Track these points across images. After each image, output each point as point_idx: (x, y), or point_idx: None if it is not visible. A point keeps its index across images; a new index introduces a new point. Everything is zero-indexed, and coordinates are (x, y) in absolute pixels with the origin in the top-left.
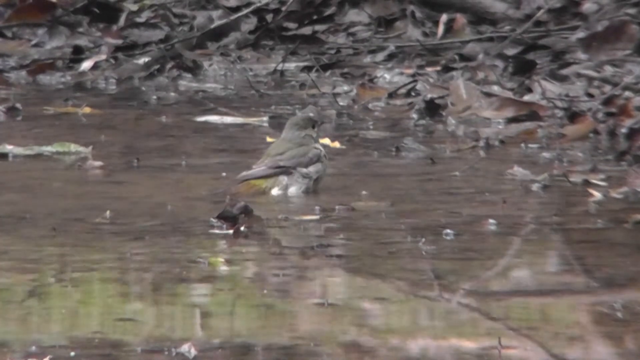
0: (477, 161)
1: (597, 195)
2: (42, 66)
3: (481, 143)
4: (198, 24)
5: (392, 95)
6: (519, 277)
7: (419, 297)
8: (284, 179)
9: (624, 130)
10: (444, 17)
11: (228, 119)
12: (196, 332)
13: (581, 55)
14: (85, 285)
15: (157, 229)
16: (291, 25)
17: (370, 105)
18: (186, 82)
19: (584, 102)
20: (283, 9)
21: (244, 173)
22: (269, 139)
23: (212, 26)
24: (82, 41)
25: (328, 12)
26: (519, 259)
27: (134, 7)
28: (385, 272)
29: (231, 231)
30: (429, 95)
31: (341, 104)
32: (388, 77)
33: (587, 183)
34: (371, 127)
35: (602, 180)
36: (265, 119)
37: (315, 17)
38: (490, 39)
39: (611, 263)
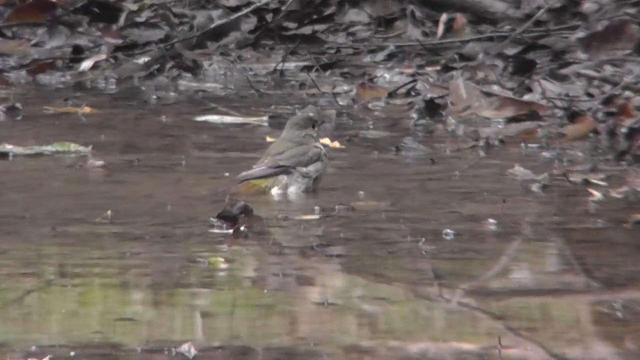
0: (477, 161)
1: (597, 194)
2: (42, 66)
3: (481, 143)
4: (198, 23)
5: (392, 94)
6: (518, 276)
7: (418, 297)
8: (283, 178)
9: (623, 130)
10: (443, 17)
11: (228, 119)
12: (196, 332)
13: (581, 55)
14: (85, 285)
15: (157, 229)
16: (291, 24)
17: (370, 105)
18: (186, 82)
19: (583, 101)
20: (283, 8)
21: (244, 173)
22: (268, 139)
23: (212, 26)
24: (82, 41)
25: (328, 11)
26: (518, 259)
27: (134, 7)
28: (385, 272)
29: (231, 231)
30: (429, 95)
31: (341, 103)
32: (388, 76)
33: (587, 183)
34: (371, 126)
35: (602, 179)
36: (265, 118)
37: (315, 16)
38: (490, 39)
39: (611, 263)
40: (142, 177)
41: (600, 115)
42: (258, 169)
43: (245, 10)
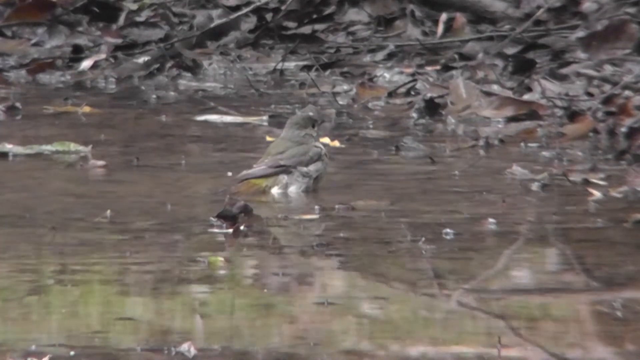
0: (477, 160)
1: (596, 194)
2: (42, 65)
3: (481, 142)
4: (198, 23)
5: (391, 94)
6: (518, 276)
7: (418, 296)
8: (284, 177)
9: (623, 130)
10: (443, 16)
11: (228, 118)
12: (196, 331)
13: (581, 55)
14: (85, 284)
15: (157, 228)
16: (291, 24)
17: (369, 105)
18: (186, 81)
19: (583, 101)
20: (283, 8)
21: (245, 172)
22: (268, 138)
23: (212, 25)
24: (82, 40)
25: (328, 11)
26: (518, 259)
27: (134, 6)
28: (385, 272)
29: (231, 230)
30: (429, 95)
31: (341, 103)
32: (388, 76)
33: (586, 182)
34: (371, 126)
35: (601, 179)
36: (264, 118)
37: (314, 16)
38: (490, 38)
39: (611, 262)
40: (142, 177)
41: (600, 114)
42: (258, 168)
43: (245, 10)
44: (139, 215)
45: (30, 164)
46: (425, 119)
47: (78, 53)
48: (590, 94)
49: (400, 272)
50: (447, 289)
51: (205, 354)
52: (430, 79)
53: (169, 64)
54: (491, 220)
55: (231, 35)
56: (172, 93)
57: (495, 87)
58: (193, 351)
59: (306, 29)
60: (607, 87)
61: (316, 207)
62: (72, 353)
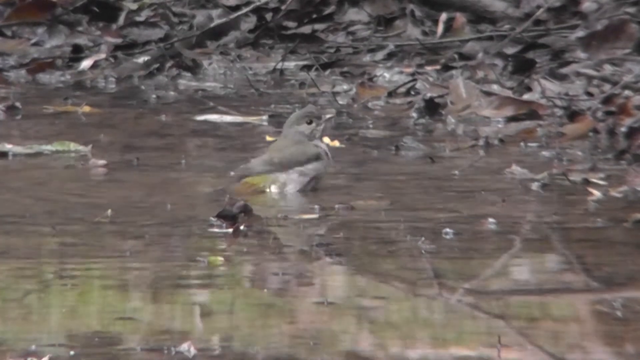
0: (477, 160)
1: (596, 194)
2: (42, 65)
3: (481, 142)
4: (198, 22)
5: (391, 94)
6: (518, 276)
7: (418, 296)
8: (282, 177)
9: (623, 129)
10: (443, 16)
11: (227, 118)
12: (196, 331)
13: (581, 54)
14: (85, 284)
15: (157, 228)
16: (291, 24)
17: (369, 104)
18: (186, 81)
19: (583, 101)
20: (282, 7)
21: (242, 166)
22: (268, 138)
23: (212, 25)
24: (82, 40)
25: (327, 11)
26: (518, 258)
27: (134, 6)
28: (385, 271)
29: (231, 230)
30: (429, 94)
31: (341, 102)
32: (387, 76)
33: (586, 182)
34: (371, 126)
35: (601, 179)
36: (264, 117)
37: (314, 16)
38: (490, 38)
39: (611, 262)
40: (142, 177)
41: (599, 114)
42: (255, 162)
43: (245, 10)
44: (139, 215)
45: (30, 164)
46: (425, 119)
47: (78, 53)
48: (590, 94)
49: (400, 272)
50: (447, 289)
51: (205, 354)
52: (430, 79)
53: (168, 64)
54: (491, 220)
55: (231, 35)
56: (172, 93)
57: (495, 87)
58: (193, 351)
59: (306, 29)
60: (607, 87)
61: (316, 207)
62: (72, 353)
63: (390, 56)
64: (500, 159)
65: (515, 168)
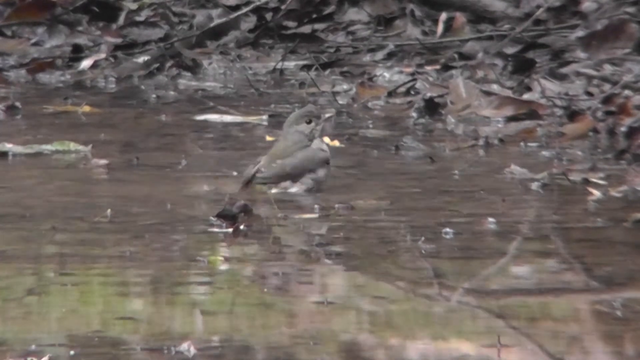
0: (477, 160)
1: (596, 194)
2: (42, 65)
3: (480, 142)
4: (197, 22)
5: (391, 93)
6: (518, 275)
7: (418, 296)
8: (294, 187)
9: (623, 129)
10: (443, 16)
11: (227, 118)
12: (196, 330)
13: (580, 54)
14: (85, 283)
15: (157, 228)
16: (291, 23)
17: (369, 104)
18: (186, 81)
19: (583, 100)
20: (282, 7)
21: (250, 170)
22: (268, 138)
23: (212, 25)
24: (82, 40)
25: (327, 10)
26: (518, 258)
27: (134, 6)
28: (385, 271)
29: (231, 230)
30: (429, 94)
31: (341, 102)
32: (387, 75)
33: (586, 182)
34: (370, 125)
35: (601, 179)
36: (264, 117)
37: (314, 15)
38: (490, 38)
39: (611, 262)
40: (142, 176)
41: (599, 114)
42: (266, 170)
43: (244, 9)
44: (138, 214)
45: (30, 164)
46: (425, 119)
47: (78, 52)
48: (590, 94)
49: (399, 271)
50: (447, 288)
51: (205, 354)
52: (430, 79)
53: (168, 64)
54: (491, 219)
55: (231, 34)
56: (171, 92)
57: (495, 87)
58: (193, 351)
59: (306, 29)
60: (606, 87)
61: (316, 206)
62: (72, 353)
63: (390, 56)
64: (500, 159)
65: (515, 168)
